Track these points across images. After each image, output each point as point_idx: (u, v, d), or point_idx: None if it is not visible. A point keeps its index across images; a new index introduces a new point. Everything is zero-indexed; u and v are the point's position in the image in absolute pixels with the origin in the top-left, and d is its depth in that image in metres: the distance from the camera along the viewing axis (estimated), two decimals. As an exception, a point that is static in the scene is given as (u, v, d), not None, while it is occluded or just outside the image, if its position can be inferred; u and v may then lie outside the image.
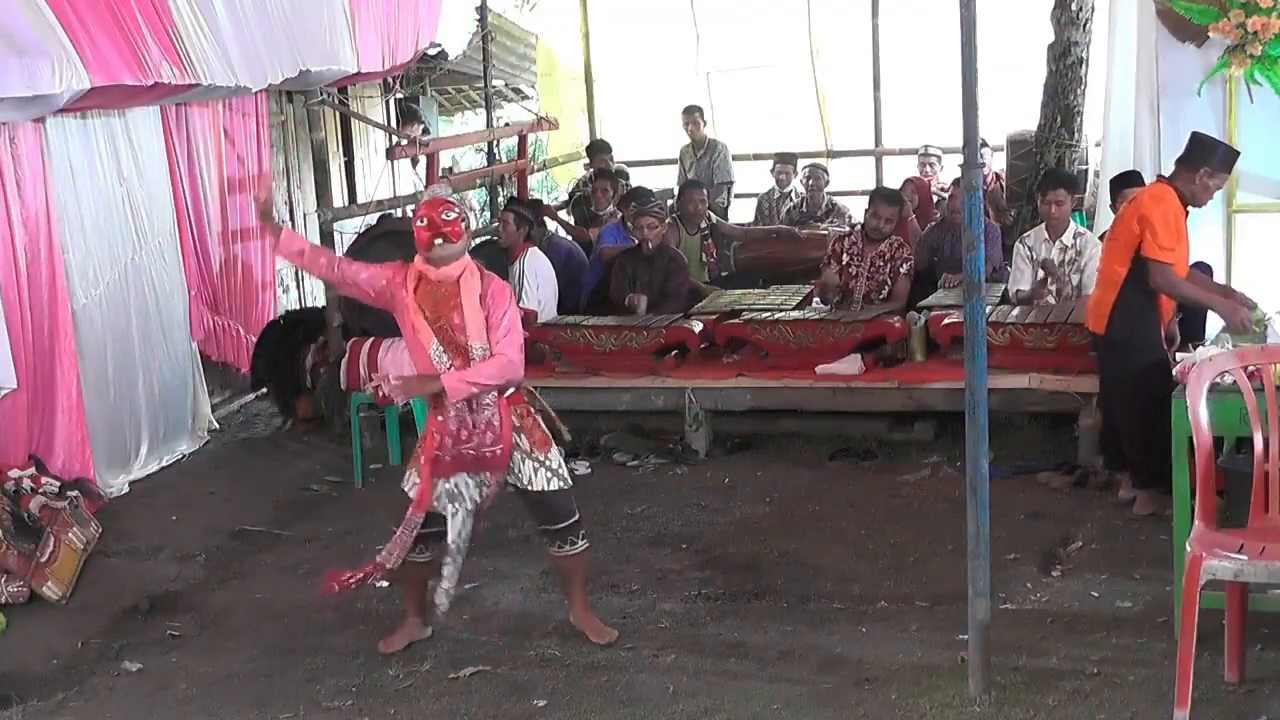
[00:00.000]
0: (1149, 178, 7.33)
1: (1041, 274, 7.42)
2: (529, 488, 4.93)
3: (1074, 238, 7.38)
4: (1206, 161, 5.78)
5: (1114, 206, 7.20)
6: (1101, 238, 7.30)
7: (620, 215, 9.54)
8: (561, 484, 4.96)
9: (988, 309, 6.32)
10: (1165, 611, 4.85)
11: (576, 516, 5.03)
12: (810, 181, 10.60)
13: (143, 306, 7.58)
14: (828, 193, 10.71)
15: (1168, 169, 7.27)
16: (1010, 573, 5.45)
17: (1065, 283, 7.38)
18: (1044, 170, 8.55)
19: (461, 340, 4.78)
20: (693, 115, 11.53)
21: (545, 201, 11.17)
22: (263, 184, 5.37)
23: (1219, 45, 7.03)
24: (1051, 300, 7.40)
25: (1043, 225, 7.48)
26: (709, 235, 9.37)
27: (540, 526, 5.07)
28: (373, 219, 9.25)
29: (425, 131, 10.78)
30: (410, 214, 9.39)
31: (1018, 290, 7.54)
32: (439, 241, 4.79)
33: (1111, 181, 7.28)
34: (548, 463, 4.92)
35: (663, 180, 12.03)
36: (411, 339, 4.89)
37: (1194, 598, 4.00)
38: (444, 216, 4.79)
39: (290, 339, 8.34)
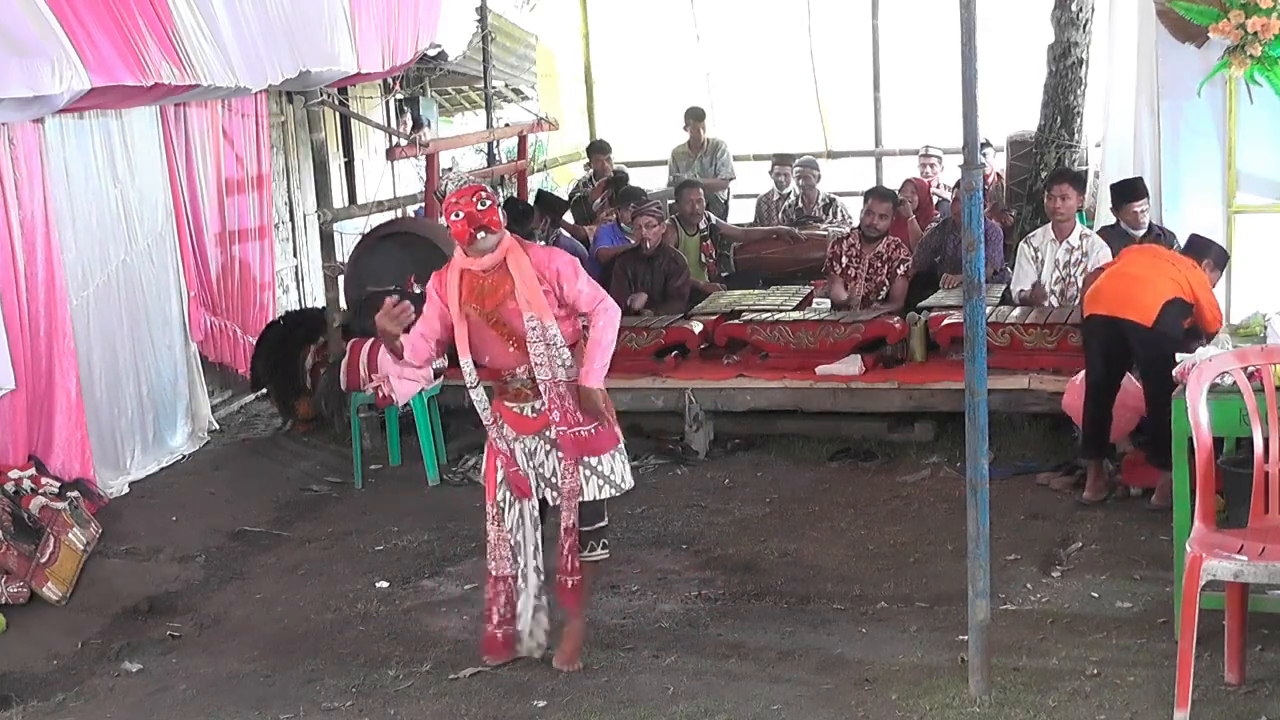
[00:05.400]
0: (1149, 179, 7.35)
1: (1037, 280, 7.42)
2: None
3: (1080, 239, 7.29)
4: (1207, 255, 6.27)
5: (1116, 212, 7.20)
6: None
7: (615, 216, 9.53)
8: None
9: (988, 310, 6.31)
10: (1165, 612, 4.85)
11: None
12: (801, 181, 10.57)
13: (134, 308, 7.56)
14: (829, 191, 10.68)
15: (1169, 170, 7.31)
16: (1010, 573, 5.45)
17: (1071, 283, 7.35)
18: (1045, 170, 8.55)
19: (519, 326, 4.55)
20: (696, 117, 11.46)
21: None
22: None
23: (1219, 46, 7.03)
24: (1054, 302, 7.39)
25: (1049, 225, 7.45)
26: (708, 236, 9.36)
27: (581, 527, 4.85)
28: (373, 220, 9.25)
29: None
30: (408, 214, 9.48)
31: (1020, 290, 7.53)
32: (481, 235, 4.50)
33: (1114, 191, 7.25)
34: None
35: (663, 181, 12.01)
36: (463, 342, 4.65)
37: (1194, 598, 4.00)
38: (479, 207, 4.48)
39: (290, 339, 8.33)
